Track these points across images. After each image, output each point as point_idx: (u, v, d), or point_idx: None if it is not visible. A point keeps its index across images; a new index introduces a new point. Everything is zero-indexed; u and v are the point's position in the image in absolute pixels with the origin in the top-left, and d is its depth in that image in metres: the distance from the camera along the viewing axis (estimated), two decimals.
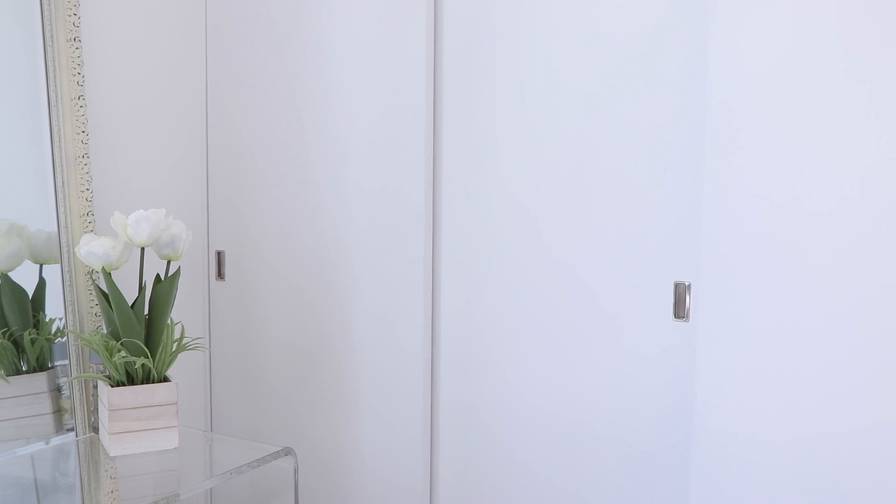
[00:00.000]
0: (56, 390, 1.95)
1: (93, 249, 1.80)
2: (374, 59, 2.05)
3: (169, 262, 1.91)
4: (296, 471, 1.91)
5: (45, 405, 1.94)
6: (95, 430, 1.97)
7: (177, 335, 1.99)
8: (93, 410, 1.97)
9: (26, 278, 1.91)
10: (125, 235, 1.82)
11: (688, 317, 1.74)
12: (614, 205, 1.81)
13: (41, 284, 1.93)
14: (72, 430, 1.96)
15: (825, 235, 1.51)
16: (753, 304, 1.59)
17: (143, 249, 1.85)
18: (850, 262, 1.48)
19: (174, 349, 1.88)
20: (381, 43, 2.04)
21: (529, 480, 1.96)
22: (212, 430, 2.42)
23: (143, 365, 1.82)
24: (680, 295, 1.75)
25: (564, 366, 1.89)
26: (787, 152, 1.53)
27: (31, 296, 1.91)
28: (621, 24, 1.78)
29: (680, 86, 1.72)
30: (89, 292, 1.96)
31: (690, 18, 1.70)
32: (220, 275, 2.36)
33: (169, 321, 1.89)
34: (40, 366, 1.93)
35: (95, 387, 1.96)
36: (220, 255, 2.36)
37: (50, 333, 1.94)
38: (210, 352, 2.40)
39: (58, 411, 1.96)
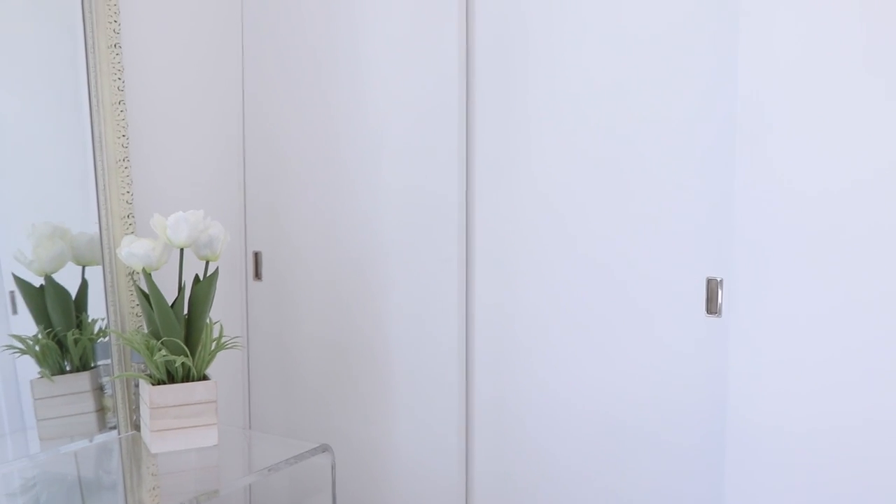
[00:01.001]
0: (99, 389, 2.00)
1: (133, 251, 1.84)
2: (407, 60, 2.08)
3: (207, 263, 1.95)
4: (333, 468, 1.94)
5: (89, 404, 1.98)
6: (137, 427, 2.02)
7: (215, 334, 2.03)
8: (134, 409, 2.02)
9: (69, 280, 1.95)
10: (164, 237, 1.86)
11: (720, 312, 1.74)
12: (645, 201, 1.81)
13: (83, 286, 1.98)
14: (114, 427, 2.01)
15: (858, 230, 1.50)
16: (787, 299, 1.58)
17: (182, 250, 1.89)
18: (884, 255, 1.47)
19: (213, 348, 1.91)
20: (413, 45, 2.06)
21: (564, 476, 1.96)
22: (250, 427, 2.46)
23: (182, 363, 1.86)
24: (712, 290, 1.75)
25: (597, 362, 1.90)
26: (820, 145, 1.53)
27: (73, 297, 1.96)
28: (650, 18, 1.78)
29: (709, 79, 1.72)
30: (130, 293, 2.00)
31: (719, 10, 1.70)
32: (257, 275, 2.40)
33: (208, 320, 1.93)
34: (83, 365, 1.97)
35: (137, 385, 2.01)
36: (257, 255, 2.39)
37: (92, 333, 1.99)
38: (248, 351, 2.43)
39: (101, 409, 2.00)
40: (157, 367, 1.84)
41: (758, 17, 1.58)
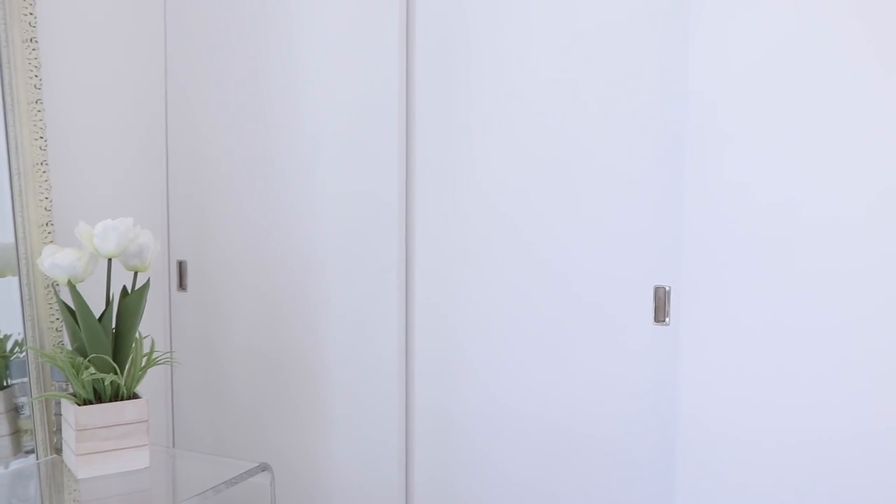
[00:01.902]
0: (14, 410, 1.85)
1: (57, 261, 1.71)
2: (344, 58, 2.01)
3: (136, 274, 1.83)
4: (273, 487, 1.85)
5: (2, 427, 1.83)
6: (58, 451, 1.87)
7: (146, 349, 1.90)
8: (55, 431, 1.87)
9: None
10: (91, 246, 1.74)
11: (668, 321, 1.74)
12: (593, 204, 1.79)
13: None
14: (32, 452, 1.86)
15: (809, 238, 1.52)
16: (737, 308, 1.59)
17: (110, 260, 1.77)
18: (836, 263, 1.50)
19: (144, 364, 1.80)
20: (352, 43, 1.99)
21: (509, 485, 1.93)
22: (174, 446, 2.33)
23: (111, 382, 1.74)
24: (660, 299, 1.75)
25: (543, 369, 1.87)
26: (772, 151, 1.54)
27: None
28: (599, 14, 1.75)
29: (662, 78, 1.70)
30: (49, 306, 1.86)
31: (673, 6, 1.69)
32: (181, 285, 2.27)
33: (137, 335, 1.81)
34: None
35: (58, 404, 1.87)
36: (181, 264, 2.27)
37: (5, 350, 1.84)
38: (171, 366, 2.31)
39: (16, 433, 1.85)
40: (84, 386, 1.71)
41: (711, 19, 1.58)
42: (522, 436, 1.91)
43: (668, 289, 1.74)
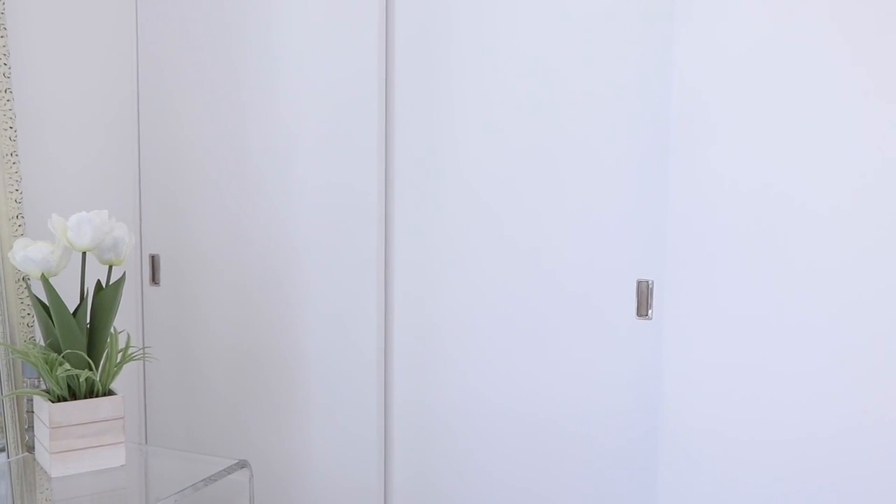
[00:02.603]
0: None
1: (30, 255, 1.66)
2: (324, 46, 1.97)
3: (110, 267, 1.79)
4: (251, 484, 1.82)
5: None
6: (30, 449, 1.83)
7: (121, 345, 1.86)
8: (27, 428, 1.82)
9: None
10: (65, 239, 1.69)
11: (650, 315, 1.74)
12: (577, 196, 1.78)
13: None
14: (2, 450, 1.81)
15: (793, 231, 1.52)
16: (721, 302, 1.59)
17: (84, 254, 1.72)
18: (823, 256, 1.50)
19: (119, 360, 1.76)
20: (330, 29, 1.96)
21: (489, 481, 1.92)
22: (146, 443, 2.28)
23: (86, 378, 1.69)
24: (642, 293, 1.75)
25: (526, 363, 1.86)
26: (756, 144, 1.53)
27: None
28: (584, 1, 1.75)
29: (648, 68, 1.69)
30: (20, 301, 1.81)
31: None
32: (154, 280, 2.23)
33: (112, 330, 1.77)
34: None
35: (30, 401, 1.82)
36: (154, 258, 2.22)
37: None
38: (143, 362, 2.26)
39: None
40: (58, 383, 1.67)
41: (698, 10, 1.57)
42: (503, 430, 1.90)
43: (650, 282, 1.74)
